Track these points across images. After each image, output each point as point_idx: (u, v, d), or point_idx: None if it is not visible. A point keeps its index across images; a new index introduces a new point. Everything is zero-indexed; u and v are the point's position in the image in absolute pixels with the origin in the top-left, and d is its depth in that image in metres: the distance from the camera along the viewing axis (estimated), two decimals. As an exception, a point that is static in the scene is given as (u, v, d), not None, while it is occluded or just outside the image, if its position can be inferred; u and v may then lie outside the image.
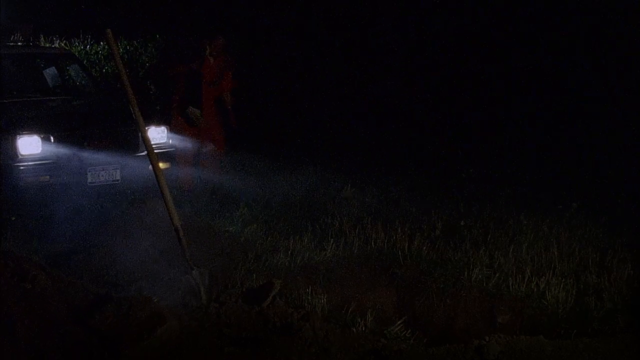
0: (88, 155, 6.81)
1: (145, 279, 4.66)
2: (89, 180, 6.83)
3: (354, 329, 4.16)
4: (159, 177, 4.33)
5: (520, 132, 9.31)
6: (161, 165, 5.02)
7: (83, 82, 8.78)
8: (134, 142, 7.04)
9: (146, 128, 4.50)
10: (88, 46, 12.29)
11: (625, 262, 5.25)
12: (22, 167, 6.58)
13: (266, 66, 11.39)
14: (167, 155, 7.25)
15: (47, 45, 10.95)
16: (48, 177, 6.63)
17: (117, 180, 6.94)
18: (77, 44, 12.39)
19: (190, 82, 7.54)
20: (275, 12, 11.47)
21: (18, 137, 6.60)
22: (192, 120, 7.53)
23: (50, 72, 8.34)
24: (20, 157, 6.58)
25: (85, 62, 10.40)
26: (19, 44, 8.37)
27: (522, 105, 9.63)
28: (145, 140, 4.46)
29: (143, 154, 6.76)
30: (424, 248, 5.51)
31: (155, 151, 4.67)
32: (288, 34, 11.47)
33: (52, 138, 6.74)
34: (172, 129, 7.45)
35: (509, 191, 7.37)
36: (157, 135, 7.30)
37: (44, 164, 6.63)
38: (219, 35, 7.60)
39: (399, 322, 4.34)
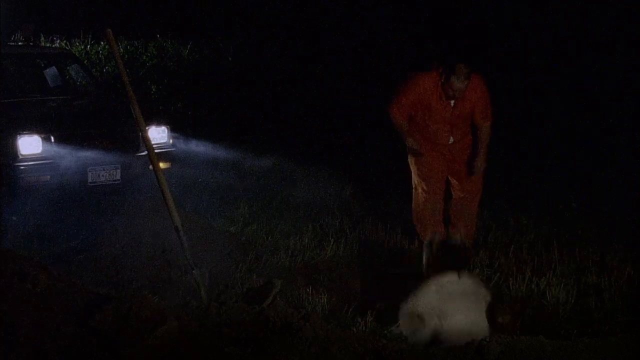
0: (88, 155, 6.81)
1: (145, 278, 4.67)
2: (89, 180, 6.83)
3: (354, 329, 4.16)
4: (159, 176, 4.33)
5: (520, 131, 9.30)
6: (161, 165, 5.02)
7: (83, 81, 8.79)
8: (135, 141, 7.04)
9: (147, 128, 4.50)
10: (88, 46, 12.28)
11: (625, 262, 5.25)
12: (22, 167, 6.58)
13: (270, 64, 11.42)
14: (167, 155, 7.25)
15: (47, 45, 10.93)
16: (48, 177, 6.63)
17: (117, 180, 6.94)
18: (77, 44, 12.38)
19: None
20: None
21: (18, 137, 6.60)
22: None
23: (50, 72, 8.33)
24: (20, 157, 6.58)
25: (85, 62, 10.40)
26: (19, 44, 8.38)
27: (522, 105, 9.62)
28: (146, 140, 4.46)
29: (143, 153, 6.76)
30: (424, 248, 5.51)
31: (156, 151, 4.68)
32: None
33: (52, 138, 6.74)
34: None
35: (509, 191, 7.37)
36: (158, 135, 7.30)
37: (44, 163, 6.64)
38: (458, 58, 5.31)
39: (399, 322, 4.33)
